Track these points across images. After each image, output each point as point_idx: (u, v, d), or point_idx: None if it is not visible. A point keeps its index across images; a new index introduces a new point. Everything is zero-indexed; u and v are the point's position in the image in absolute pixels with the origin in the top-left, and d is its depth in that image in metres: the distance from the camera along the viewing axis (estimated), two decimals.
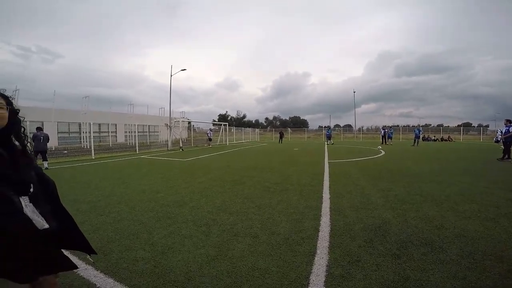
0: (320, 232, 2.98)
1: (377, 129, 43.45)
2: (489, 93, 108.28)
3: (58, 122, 20.80)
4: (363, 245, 2.66)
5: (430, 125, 52.13)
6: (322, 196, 4.55)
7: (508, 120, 9.81)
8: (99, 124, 26.05)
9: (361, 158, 11.15)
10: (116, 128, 27.57)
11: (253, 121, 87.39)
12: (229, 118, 77.61)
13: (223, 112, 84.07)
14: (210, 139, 21.65)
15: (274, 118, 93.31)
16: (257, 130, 43.64)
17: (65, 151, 13.70)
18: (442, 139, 33.62)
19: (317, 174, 6.99)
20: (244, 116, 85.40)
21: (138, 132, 27.72)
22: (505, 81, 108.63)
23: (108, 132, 25.85)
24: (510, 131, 9.59)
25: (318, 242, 2.74)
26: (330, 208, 3.87)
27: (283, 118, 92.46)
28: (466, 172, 7.17)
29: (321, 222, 3.29)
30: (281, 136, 30.32)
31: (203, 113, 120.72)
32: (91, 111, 23.52)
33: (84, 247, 1.40)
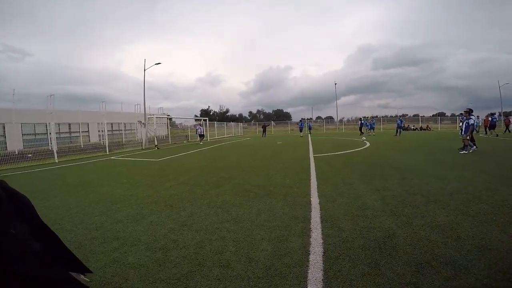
0: (311, 255, 2.28)
1: (357, 120, 44.12)
2: (461, 84, 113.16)
3: (22, 123, 19.13)
4: (367, 273, 2.00)
5: (407, 115, 54.17)
6: (310, 201, 3.86)
7: (467, 111, 9.29)
8: (69, 124, 24.26)
9: (347, 151, 10.66)
10: (88, 128, 25.76)
11: (237, 115, 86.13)
12: (211, 113, 76.01)
13: (205, 107, 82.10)
14: (201, 135, 19.87)
15: (258, 111, 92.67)
16: (240, 124, 42.84)
17: (29, 155, 12.34)
18: (421, 128, 34.47)
19: (303, 171, 6.33)
20: (227, 111, 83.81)
21: (112, 130, 26.41)
22: (475, 73, 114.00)
23: (79, 132, 24.03)
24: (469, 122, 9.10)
25: (309, 271, 2.05)
26: (321, 217, 3.18)
27: (267, 112, 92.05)
28: (459, 164, 6.77)
29: (311, 239, 2.59)
30: (264, 130, 29.13)
31: (185, 109, 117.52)
32: (59, 110, 21.69)
33: (75, 266, 1.20)
